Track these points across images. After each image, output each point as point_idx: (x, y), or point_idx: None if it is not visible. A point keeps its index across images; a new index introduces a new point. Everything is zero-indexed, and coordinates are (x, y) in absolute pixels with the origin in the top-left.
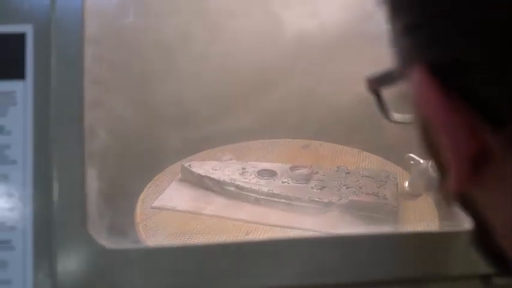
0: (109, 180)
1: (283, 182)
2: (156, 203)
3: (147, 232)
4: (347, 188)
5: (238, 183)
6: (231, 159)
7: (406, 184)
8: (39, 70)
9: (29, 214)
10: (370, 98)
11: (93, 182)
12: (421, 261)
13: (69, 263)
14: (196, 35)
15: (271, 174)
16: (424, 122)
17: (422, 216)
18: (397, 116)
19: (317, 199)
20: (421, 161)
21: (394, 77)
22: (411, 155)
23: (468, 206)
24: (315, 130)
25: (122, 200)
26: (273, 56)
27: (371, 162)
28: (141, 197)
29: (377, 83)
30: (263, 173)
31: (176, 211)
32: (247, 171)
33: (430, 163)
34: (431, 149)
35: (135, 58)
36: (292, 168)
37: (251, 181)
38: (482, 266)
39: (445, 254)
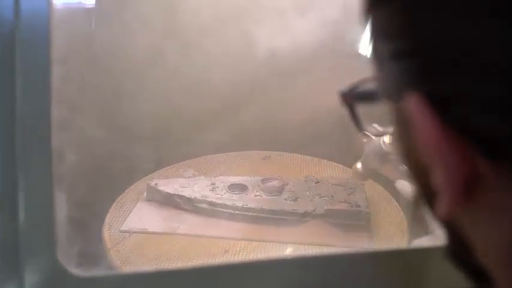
0: (78, 203)
1: (256, 196)
2: (124, 226)
3: (121, 258)
4: (320, 197)
5: (210, 199)
6: (194, 175)
7: (359, 165)
8: (4, 90)
9: None
10: (330, 110)
11: (62, 207)
12: (398, 278)
13: None
14: (168, 52)
15: (242, 188)
16: (411, 145)
17: (392, 220)
18: (371, 129)
19: (292, 210)
20: (373, 137)
21: (375, 96)
22: (366, 132)
23: (450, 224)
24: (274, 141)
25: (92, 223)
26: (245, 73)
27: (333, 170)
28: (107, 220)
29: (352, 98)
30: (234, 188)
31: (148, 233)
32: (218, 187)
33: (381, 139)
34: (418, 171)
35: (105, 77)
36: (263, 181)
37: (223, 196)
38: (460, 281)
39: (423, 270)
